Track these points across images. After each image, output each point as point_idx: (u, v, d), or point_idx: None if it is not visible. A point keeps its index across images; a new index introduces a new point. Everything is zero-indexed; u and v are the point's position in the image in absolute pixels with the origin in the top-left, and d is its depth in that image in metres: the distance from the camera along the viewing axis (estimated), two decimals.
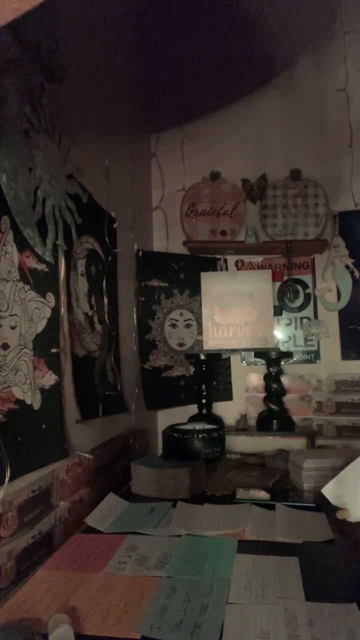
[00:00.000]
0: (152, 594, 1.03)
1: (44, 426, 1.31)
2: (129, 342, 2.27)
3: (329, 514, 1.46)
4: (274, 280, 2.60)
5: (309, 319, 2.61)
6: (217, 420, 2.47)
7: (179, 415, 2.51)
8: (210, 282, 2.59)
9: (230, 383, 2.67)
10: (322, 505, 1.51)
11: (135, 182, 2.38)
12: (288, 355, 2.50)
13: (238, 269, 2.69)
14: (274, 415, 2.42)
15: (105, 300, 1.88)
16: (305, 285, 2.63)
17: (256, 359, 2.59)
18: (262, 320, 2.54)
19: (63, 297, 1.48)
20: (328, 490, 1.49)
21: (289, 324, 2.64)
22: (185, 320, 2.63)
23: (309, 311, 2.62)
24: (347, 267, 2.55)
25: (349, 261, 2.54)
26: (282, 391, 2.46)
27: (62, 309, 1.47)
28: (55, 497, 1.37)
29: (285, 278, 2.63)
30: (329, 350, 2.58)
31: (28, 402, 1.23)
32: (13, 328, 1.18)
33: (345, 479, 1.47)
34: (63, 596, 1.04)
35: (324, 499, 1.50)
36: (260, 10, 2.61)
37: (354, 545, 1.29)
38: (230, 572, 1.12)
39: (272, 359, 2.43)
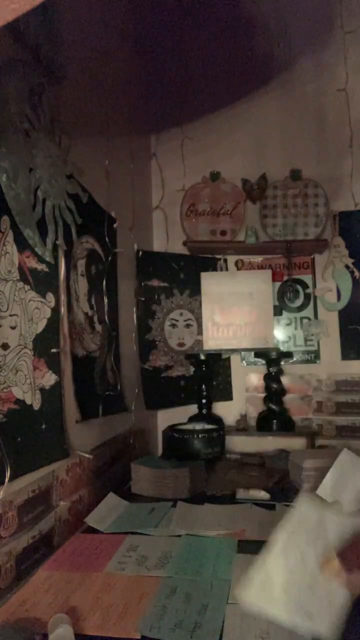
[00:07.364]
0: (152, 594, 1.03)
1: (44, 426, 1.31)
2: (129, 342, 2.27)
3: None
4: (274, 280, 2.60)
5: (309, 319, 2.61)
6: (217, 420, 2.46)
7: (179, 415, 2.51)
8: (210, 282, 2.59)
9: (230, 383, 2.66)
10: None
11: (135, 182, 2.38)
12: (288, 355, 2.50)
13: (238, 269, 2.69)
14: (274, 415, 2.42)
15: (105, 300, 1.88)
16: (305, 285, 2.63)
17: (256, 359, 2.58)
18: (262, 320, 2.54)
19: (63, 297, 1.48)
20: (323, 491, 1.50)
21: (289, 324, 2.64)
22: (185, 320, 2.63)
23: (309, 311, 2.62)
24: (347, 267, 2.55)
25: (349, 261, 2.54)
26: (282, 391, 2.46)
27: (62, 309, 1.47)
28: (55, 497, 1.37)
29: (285, 278, 2.63)
30: (329, 350, 2.57)
31: (28, 402, 1.23)
32: (13, 328, 1.18)
33: (333, 478, 1.48)
34: (63, 596, 1.03)
35: None
36: (260, 10, 2.61)
37: None
38: (230, 572, 1.12)
39: (272, 359, 2.43)
